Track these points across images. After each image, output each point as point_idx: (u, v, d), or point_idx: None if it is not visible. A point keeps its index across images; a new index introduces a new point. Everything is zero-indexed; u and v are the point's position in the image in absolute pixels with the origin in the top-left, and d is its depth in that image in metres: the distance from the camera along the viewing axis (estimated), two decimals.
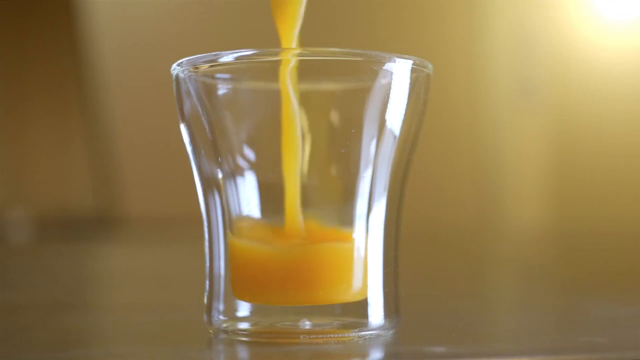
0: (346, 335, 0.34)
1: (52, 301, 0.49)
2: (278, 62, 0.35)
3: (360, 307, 0.35)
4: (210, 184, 0.36)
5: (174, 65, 0.36)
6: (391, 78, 0.35)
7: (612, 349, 0.34)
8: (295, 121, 0.35)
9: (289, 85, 0.35)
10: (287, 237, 0.35)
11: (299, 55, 0.35)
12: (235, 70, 0.35)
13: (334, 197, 0.36)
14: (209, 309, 0.36)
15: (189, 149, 0.37)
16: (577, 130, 1.50)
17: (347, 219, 0.35)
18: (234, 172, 0.36)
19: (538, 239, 1.12)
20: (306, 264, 0.34)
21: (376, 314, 0.35)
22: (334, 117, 0.36)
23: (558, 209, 1.49)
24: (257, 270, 0.35)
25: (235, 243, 0.36)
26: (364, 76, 0.34)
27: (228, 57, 0.34)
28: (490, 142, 1.50)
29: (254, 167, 0.36)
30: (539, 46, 1.49)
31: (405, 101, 0.35)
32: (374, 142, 0.35)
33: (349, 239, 0.35)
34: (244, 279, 0.35)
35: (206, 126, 0.36)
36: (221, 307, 0.36)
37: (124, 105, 1.44)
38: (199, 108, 0.35)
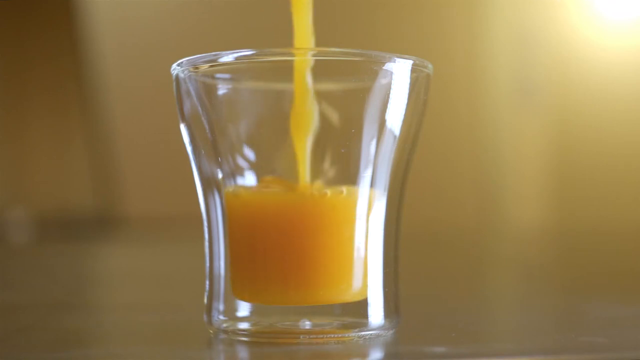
0: (346, 335, 0.34)
1: (52, 301, 0.49)
2: (278, 62, 0.35)
3: (360, 307, 0.35)
4: (210, 184, 0.36)
5: (174, 65, 0.36)
6: (391, 78, 0.35)
7: (612, 349, 0.34)
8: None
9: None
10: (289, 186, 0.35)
11: (299, 55, 0.35)
12: (235, 70, 0.35)
13: None
14: (209, 309, 0.36)
15: (189, 149, 0.37)
16: (577, 130, 1.50)
17: (347, 220, 0.35)
18: (234, 172, 0.36)
19: (538, 239, 1.12)
20: (307, 209, 0.34)
21: (376, 314, 0.35)
22: (334, 117, 0.36)
23: (558, 209, 1.49)
24: (255, 221, 0.35)
25: (230, 193, 0.35)
26: (364, 76, 0.34)
27: (228, 57, 0.34)
28: (490, 142, 1.50)
29: (254, 167, 0.36)
30: (539, 46, 1.49)
31: (405, 101, 0.35)
32: (374, 142, 0.35)
33: (354, 191, 0.35)
34: (242, 233, 0.35)
35: (206, 126, 0.36)
36: (221, 307, 0.36)
37: (124, 105, 1.44)
38: (199, 108, 0.35)
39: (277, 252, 0.34)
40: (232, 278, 0.36)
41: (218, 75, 0.35)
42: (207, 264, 0.37)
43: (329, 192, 0.35)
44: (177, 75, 0.36)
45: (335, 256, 0.35)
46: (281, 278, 0.34)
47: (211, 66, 0.35)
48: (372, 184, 0.35)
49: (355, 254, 0.35)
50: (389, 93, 0.35)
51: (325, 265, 0.34)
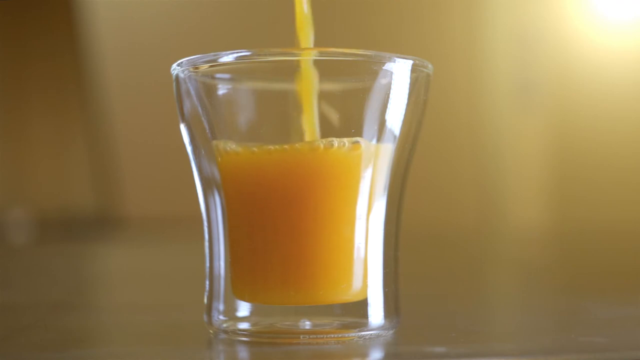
0: (346, 335, 0.34)
1: (52, 301, 0.49)
2: (278, 62, 0.35)
3: (360, 307, 0.35)
4: (210, 184, 0.36)
5: (174, 65, 0.36)
6: (391, 78, 0.35)
7: (612, 349, 0.34)
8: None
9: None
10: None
11: (300, 55, 0.35)
12: (235, 70, 0.35)
13: None
14: (209, 309, 0.36)
15: (189, 149, 0.37)
16: (577, 130, 1.50)
17: (347, 220, 0.35)
18: None
19: (538, 239, 1.12)
20: (309, 164, 0.34)
21: (376, 314, 0.35)
22: (334, 117, 0.36)
23: (558, 209, 1.49)
24: (252, 180, 0.34)
25: (222, 150, 0.35)
26: (364, 76, 0.34)
27: (228, 57, 0.34)
28: (490, 142, 1.50)
29: None
30: (539, 46, 1.49)
31: (405, 101, 0.35)
32: (374, 142, 0.35)
33: (358, 148, 0.35)
34: (237, 190, 0.35)
35: (206, 126, 0.36)
36: (221, 307, 0.36)
37: (124, 105, 1.44)
38: (199, 108, 0.35)
39: (277, 211, 0.34)
40: (232, 277, 0.36)
41: (218, 75, 0.35)
42: (207, 264, 0.37)
43: (336, 142, 0.34)
44: (177, 75, 0.36)
45: (341, 161, 0.34)
46: (281, 274, 0.34)
47: (211, 66, 0.35)
48: (371, 186, 0.35)
49: (355, 254, 0.35)
50: (389, 93, 0.35)
51: (331, 171, 0.34)
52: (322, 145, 0.34)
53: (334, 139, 0.34)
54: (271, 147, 0.34)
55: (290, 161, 0.34)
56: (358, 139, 0.34)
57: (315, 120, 0.35)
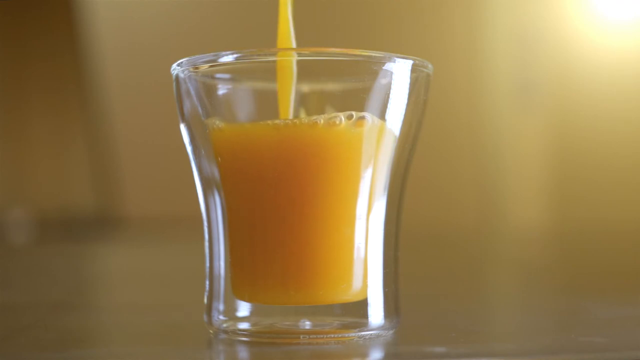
0: (346, 335, 0.34)
1: (52, 301, 0.49)
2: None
3: (360, 307, 0.35)
4: (210, 184, 0.36)
5: (174, 66, 0.36)
6: (391, 78, 0.35)
7: (612, 349, 0.34)
8: None
9: None
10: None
11: (299, 55, 0.35)
12: (235, 70, 0.35)
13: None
14: (209, 309, 0.36)
15: (189, 149, 0.37)
16: (577, 130, 1.50)
17: (347, 219, 0.35)
18: None
19: (538, 239, 1.12)
20: (308, 140, 0.34)
21: (376, 314, 0.35)
22: None
23: (558, 209, 1.49)
24: (252, 159, 0.34)
25: (218, 130, 0.35)
26: (364, 76, 0.34)
27: (228, 57, 0.34)
28: (490, 142, 1.50)
29: None
30: (539, 46, 1.49)
31: (405, 101, 0.35)
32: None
33: (361, 125, 0.34)
34: (236, 170, 0.35)
35: (206, 126, 0.36)
36: (221, 307, 0.36)
37: (124, 105, 1.44)
38: (199, 108, 0.35)
39: (276, 194, 0.34)
40: (232, 277, 0.36)
41: (218, 75, 0.35)
42: (207, 264, 0.37)
43: (341, 118, 0.34)
44: (177, 75, 0.36)
45: (341, 138, 0.34)
46: (281, 274, 0.34)
47: (211, 66, 0.35)
48: (371, 186, 0.35)
49: (355, 254, 0.35)
50: (389, 93, 0.35)
51: (329, 146, 0.34)
52: (321, 121, 0.34)
53: (339, 113, 0.34)
54: (279, 121, 0.34)
55: (295, 137, 0.34)
56: (364, 113, 0.34)
57: (291, 104, 0.35)
